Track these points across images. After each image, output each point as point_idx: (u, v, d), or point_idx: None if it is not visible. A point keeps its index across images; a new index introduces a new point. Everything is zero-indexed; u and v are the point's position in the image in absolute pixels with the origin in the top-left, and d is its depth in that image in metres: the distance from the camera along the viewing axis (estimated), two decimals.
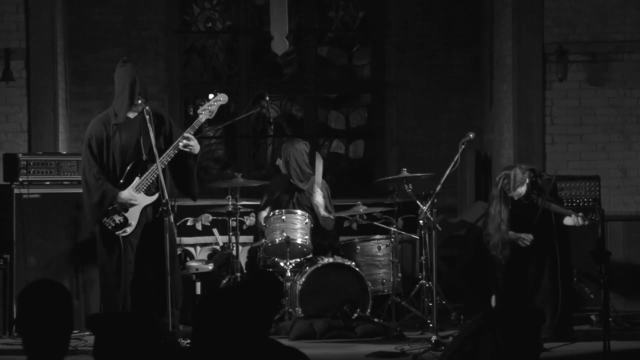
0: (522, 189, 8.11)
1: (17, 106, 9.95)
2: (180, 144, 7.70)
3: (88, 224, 7.94)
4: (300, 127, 11.65)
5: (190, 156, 7.80)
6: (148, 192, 7.74)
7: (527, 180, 8.10)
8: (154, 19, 11.08)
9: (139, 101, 7.77)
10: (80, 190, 8.66)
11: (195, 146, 7.77)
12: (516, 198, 8.15)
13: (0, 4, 9.90)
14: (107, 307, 7.83)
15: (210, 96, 7.97)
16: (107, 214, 7.68)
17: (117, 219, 7.67)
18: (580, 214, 8.03)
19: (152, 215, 7.75)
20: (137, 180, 7.72)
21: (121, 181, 7.75)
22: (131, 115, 7.82)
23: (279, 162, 9.36)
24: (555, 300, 8.00)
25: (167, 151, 7.71)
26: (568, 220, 8.06)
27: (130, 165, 7.75)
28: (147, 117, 7.67)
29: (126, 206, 7.69)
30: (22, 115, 9.95)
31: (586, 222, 7.98)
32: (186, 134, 7.73)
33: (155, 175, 7.64)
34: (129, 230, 7.67)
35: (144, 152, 7.73)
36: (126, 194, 7.68)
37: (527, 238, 8.14)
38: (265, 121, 11.40)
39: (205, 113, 7.91)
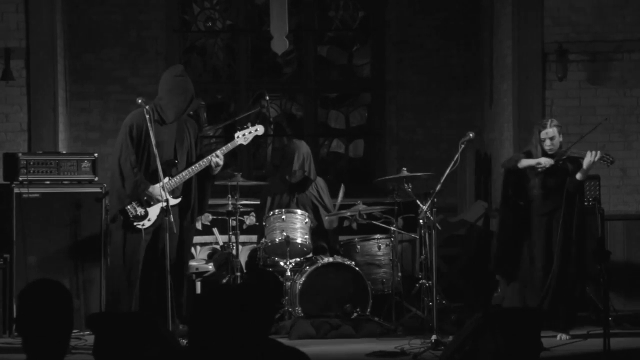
0: (555, 132, 8.10)
1: (17, 106, 9.95)
2: (213, 160, 7.87)
3: (112, 208, 7.96)
4: (300, 127, 11.65)
5: (210, 176, 8.02)
6: (173, 194, 7.84)
7: (562, 137, 8.13)
8: (153, 18, 11.09)
9: (139, 101, 7.79)
10: (80, 190, 8.72)
11: (220, 166, 8.00)
12: (548, 145, 8.10)
13: (0, 3, 9.90)
14: (113, 299, 7.86)
15: (249, 124, 8.27)
16: (130, 203, 7.76)
17: (139, 210, 7.77)
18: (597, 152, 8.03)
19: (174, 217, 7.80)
20: (166, 179, 7.79)
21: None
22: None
23: (297, 156, 9.25)
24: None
25: (200, 162, 7.88)
26: (585, 163, 8.00)
27: (163, 165, 7.79)
28: (147, 116, 7.69)
29: (151, 201, 7.77)
30: (22, 114, 9.95)
31: (597, 158, 7.96)
32: (219, 153, 7.94)
33: (184, 180, 7.83)
34: (147, 224, 7.77)
35: (179, 155, 7.82)
36: (157, 189, 7.73)
37: (544, 162, 8.12)
38: (265, 121, 11.41)
39: (241, 138, 8.16)
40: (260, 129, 8.24)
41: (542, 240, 8.14)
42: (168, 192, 7.76)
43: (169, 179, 7.82)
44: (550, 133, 8.15)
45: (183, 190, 7.94)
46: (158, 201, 7.78)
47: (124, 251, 7.81)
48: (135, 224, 7.76)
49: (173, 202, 7.83)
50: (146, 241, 7.81)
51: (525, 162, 8.18)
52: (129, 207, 7.77)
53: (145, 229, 7.78)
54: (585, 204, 9.24)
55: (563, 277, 8.05)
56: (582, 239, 8.14)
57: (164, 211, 7.59)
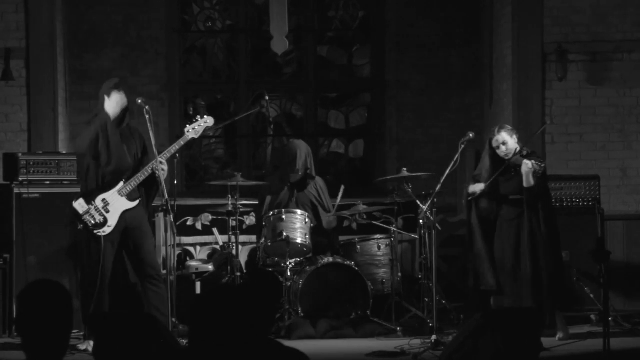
0: (508, 137, 8.09)
1: (17, 106, 9.96)
2: (156, 166, 7.74)
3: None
4: (300, 127, 11.65)
5: (155, 181, 7.88)
6: (130, 198, 7.80)
7: (516, 139, 8.12)
8: (154, 19, 11.09)
9: (139, 101, 7.79)
10: (80, 190, 8.70)
11: (165, 173, 7.83)
12: (503, 151, 8.08)
13: (0, 3, 9.91)
14: (85, 306, 7.85)
15: (197, 117, 8.08)
16: (88, 212, 7.72)
17: (98, 218, 7.72)
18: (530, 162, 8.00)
19: (132, 221, 7.78)
20: (121, 184, 7.78)
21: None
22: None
23: (299, 155, 9.22)
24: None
25: (146, 167, 7.78)
26: (524, 168, 7.99)
27: (116, 171, 7.79)
28: (147, 116, 7.69)
29: (108, 207, 7.74)
30: (22, 114, 9.95)
31: (528, 167, 7.91)
32: (160, 159, 7.79)
33: (138, 183, 7.75)
34: (107, 230, 7.71)
35: (129, 158, 7.79)
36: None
37: (473, 190, 8.19)
38: (265, 121, 11.41)
39: (192, 132, 8.03)
40: (210, 121, 8.11)
41: (512, 245, 8.13)
42: (125, 196, 7.77)
43: (124, 183, 7.79)
44: (500, 139, 8.12)
45: (138, 194, 7.87)
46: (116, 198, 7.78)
47: (90, 258, 7.77)
48: (95, 232, 7.71)
49: (129, 205, 7.80)
50: (113, 246, 7.78)
51: (469, 190, 8.25)
52: (86, 217, 7.71)
53: (106, 235, 7.72)
54: (585, 204, 9.26)
55: (537, 280, 8.02)
56: (554, 243, 8.08)
57: (165, 211, 7.59)
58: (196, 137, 8.11)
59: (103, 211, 7.73)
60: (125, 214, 7.79)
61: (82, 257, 7.92)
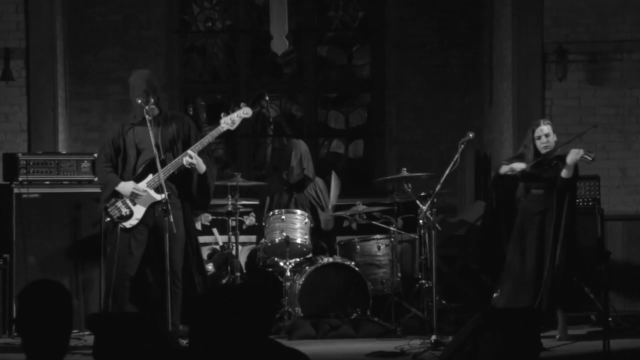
0: (550, 130, 8.06)
1: (16, 106, 9.96)
2: (184, 160, 7.68)
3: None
4: (300, 127, 11.65)
5: (194, 173, 7.78)
6: (158, 191, 7.73)
7: (556, 137, 8.09)
8: (153, 19, 11.09)
9: (139, 101, 7.75)
10: (80, 190, 8.81)
11: (198, 165, 7.73)
12: (544, 142, 8.04)
13: (0, 3, 9.91)
14: (105, 300, 7.85)
15: (236, 108, 7.95)
16: (114, 204, 7.72)
17: (124, 210, 7.72)
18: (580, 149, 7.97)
19: (161, 220, 7.71)
20: (150, 177, 7.74)
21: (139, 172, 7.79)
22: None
23: (294, 156, 9.20)
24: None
25: (175, 160, 7.71)
26: (568, 159, 7.94)
27: (145, 163, 7.75)
28: (147, 116, 7.67)
29: (134, 196, 7.70)
30: (21, 114, 9.96)
31: (579, 155, 7.88)
32: (189, 152, 7.68)
33: (167, 176, 7.65)
34: (133, 223, 7.70)
35: (162, 151, 7.71)
36: (127, 186, 7.69)
37: (516, 167, 8.11)
38: (265, 121, 11.41)
39: (228, 124, 7.86)
40: (248, 111, 7.90)
41: (534, 240, 8.08)
42: (152, 189, 7.73)
43: (152, 175, 7.71)
44: (545, 130, 8.10)
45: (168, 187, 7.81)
46: (136, 196, 7.71)
47: (116, 250, 7.75)
48: (120, 224, 7.70)
49: (159, 197, 7.67)
50: (138, 241, 7.75)
51: (503, 170, 8.19)
52: (111, 208, 7.71)
53: (131, 228, 7.71)
54: (585, 204, 9.26)
55: (555, 276, 7.99)
56: (570, 238, 8.05)
57: (164, 211, 7.54)
58: (232, 128, 7.90)
59: (130, 203, 7.72)
60: (154, 209, 7.74)
61: (110, 251, 7.93)
